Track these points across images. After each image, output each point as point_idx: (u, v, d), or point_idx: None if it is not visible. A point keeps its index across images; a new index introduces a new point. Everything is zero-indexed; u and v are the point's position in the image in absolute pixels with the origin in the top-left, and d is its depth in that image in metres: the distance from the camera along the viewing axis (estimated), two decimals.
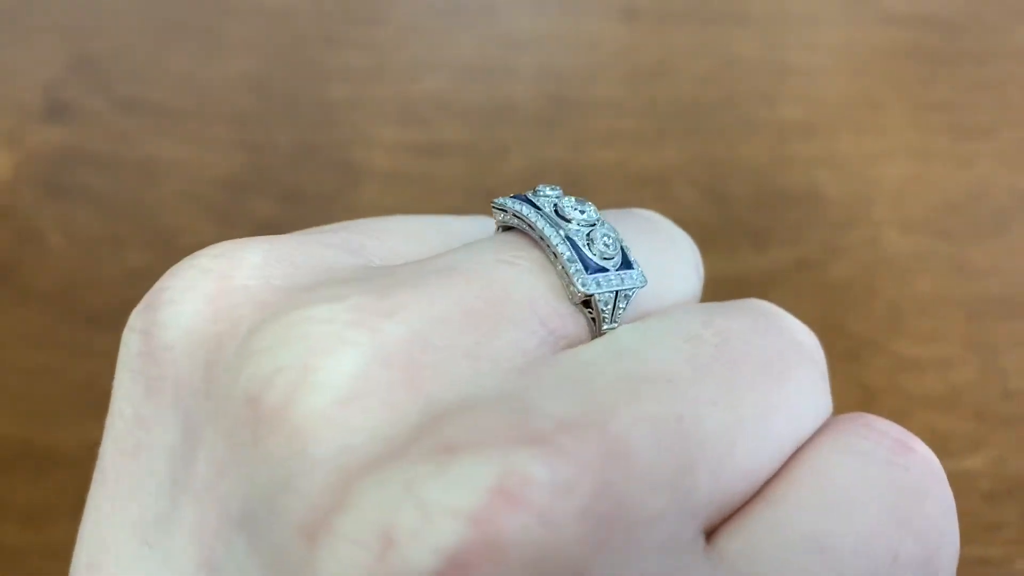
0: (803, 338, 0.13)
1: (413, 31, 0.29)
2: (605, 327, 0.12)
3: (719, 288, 0.25)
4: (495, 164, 0.27)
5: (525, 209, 0.13)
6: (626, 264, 0.12)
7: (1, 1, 0.29)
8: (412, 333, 0.10)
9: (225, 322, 0.11)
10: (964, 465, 0.24)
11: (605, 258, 0.12)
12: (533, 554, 0.09)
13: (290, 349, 0.10)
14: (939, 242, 0.26)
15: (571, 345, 0.12)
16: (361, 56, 0.28)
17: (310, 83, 0.28)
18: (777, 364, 0.12)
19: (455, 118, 0.28)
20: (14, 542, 0.24)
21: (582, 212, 0.13)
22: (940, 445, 0.24)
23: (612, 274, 0.12)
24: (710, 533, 0.11)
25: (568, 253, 0.12)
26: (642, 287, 0.12)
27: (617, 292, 0.12)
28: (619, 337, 0.12)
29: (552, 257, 0.12)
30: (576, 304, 0.12)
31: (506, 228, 0.13)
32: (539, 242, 0.12)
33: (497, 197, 0.13)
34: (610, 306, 0.12)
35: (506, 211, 0.13)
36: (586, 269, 0.12)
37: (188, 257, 0.12)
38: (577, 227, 0.12)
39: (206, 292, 0.11)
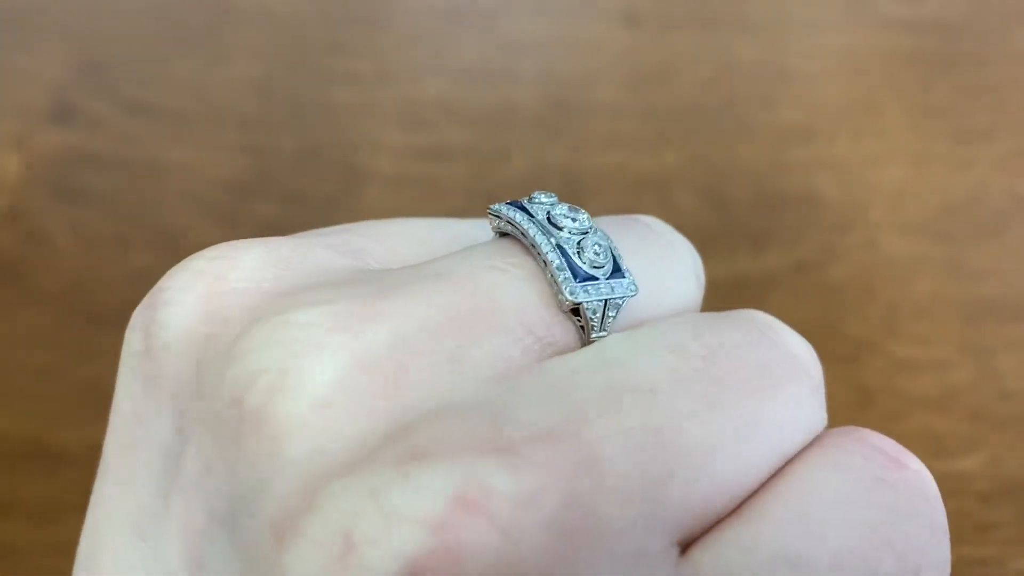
0: (797, 351, 0.13)
1: (416, 36, 0.29)
2: (594, 335, 0.12)
3: (718, 291, 0.26)
4: (497, 167, 0.28)
5: (518, 216, 0.13)
6: (617, 273, 0.12)
7: (10, 6, 0.29)
8: (394, 339, 0.11)
9: (217, 323, 0.11)
10: (960, 466, 0.24)
11: (595, 267, 0.12)
12: (492, 563, 0.09)
13: (271, 352, 0.10)
14: (937, 245, 0.26)
15: (560, 353, 0.12)
16: (364, 61, 0.29)
17: (314, 87, 0.28)
18: (765, 377, 0.12)
19: (457, 122, 0.28)
20: (22, 539, 0.24)
21: (574, 220, 0.13)
22: (936, 446, 0.24)
23: (602, 283, 0.12)
24: (687, 545, 0.11)
25: (557, 261, 0.12)
26: (632, 296, 0.12)
27: (606, 301, 0.12)
28: (605, 347, 0.12)
29: (543, 265, 0.12)
30: (565, 312, 0.12)
31: (503, 234, 0.13)
32: (531, 249, 0.12)
33: (497, 201, 0.13)
34: (599, 315, 0.12)
35: (500, 217, 0.13)
36: (575, 277, 0.12)
37: (187, 258, 0.12)
38: (568, 235, 0.12)
39: (200, 294, 0.12)
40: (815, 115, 0.28)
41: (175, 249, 0.28)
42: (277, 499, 0.10)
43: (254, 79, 0.29)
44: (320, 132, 0.28)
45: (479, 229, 0.14)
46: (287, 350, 0.10)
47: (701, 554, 0.10)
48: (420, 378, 0.10)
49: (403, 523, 0.09)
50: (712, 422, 0.11)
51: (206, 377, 0.11)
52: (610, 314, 0.12)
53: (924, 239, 0.27)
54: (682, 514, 0.10)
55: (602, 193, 0.27)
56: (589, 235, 0.13)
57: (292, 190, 0.27)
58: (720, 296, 0.26)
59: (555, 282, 0.12)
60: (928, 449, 0.24)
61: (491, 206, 0.13)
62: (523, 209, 0.13)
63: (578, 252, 0.12)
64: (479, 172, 0.28)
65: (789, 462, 0.12)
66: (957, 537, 0.25)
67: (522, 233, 0.12)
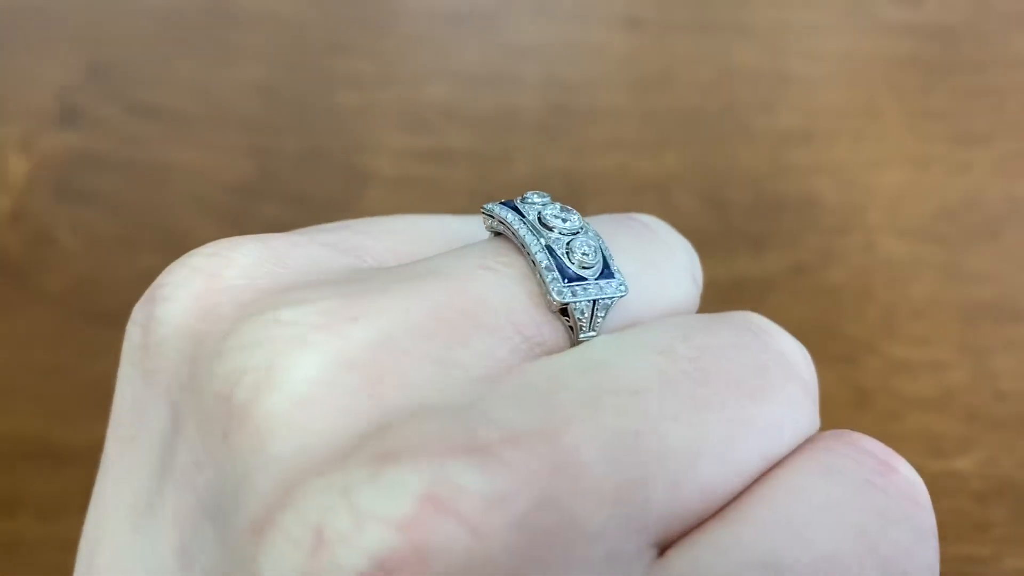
0: (790, 354, 0.13)
1: (419, 39, 0.29)
2: (583, 336, 0.12)
3: (717, 293, 0.26)
4: (499, 170, 0.28)
5: (510, 216, 0.13)
6: (607, 273, 0.12)
7: (17, 9, 0.30)
8: (379, 337, 0.11)
9: (209, 320, 0.11)
10: (956, 465, 0.24)
11: (584, 267, 0.12)
12: (461, 562, 0.09)
13: (258, 350, 0.10)
14: (934, 247, 0.27)
15: (549, 353, 0.12)
16: (368, 64, 0.29)
17: (318, 90, 0.29)
18: (754, 380, 0.12)
19: (460, 125, 0.28)
20: (29, 536, 0.24)
21: (565, 221, 0.13)
22: (933, 446, 0.25)
23: (590, 283, 0.12)
24: (667, 547, 0.11)
25: (546, 261, 0.12)
26: (622, 296, 0.12)
27: (595, 301, 0.12)
28: (591, 348, 0.12)
29: (532, 265, 0.12)
30: (555, 313, 0.12)
31: (498, 233, 0.13)
32: (522, 249, 0.12)
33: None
34: (587, 315, 0.12)
35: (493, 217, 0.13)
36: (563, 278, 0.12)
37: (185, 255, 0.12)
38: (558, 235, 0.13)
39: (196, 290, 0.12)
40: (814, 118, 0.28)
41: (179, 250, 0.28)
42: (258, 494, 0.10)
43: (258, 81, 0.29)
44: (323, 134, 0.28)
45: (478, 226, 0.14)
46: (272, 348, 0.10)
47: (678, 556, 0.10)
48: (403, 377, 0.11)
49: (372, 521, 0.09)
50: (696, 425, 0.11)
51: (198, 372, 0.11)
52: (599, 314, 0.12)
53: (922, 241, 0.27)
54: (660, 516, 0.10)
55: (603, 195, 0.27)
56: (579, 235, 0.13)
57: (295, 191, 0.28)
58: (719, 297, 0.26)
59: (543, 282, 0.12)
60: (925, 449, 0.25)
61: (484, 205, 0.13)
62: (515, 209, 0.13)
63: (567, 253, 0.12)
64: (481, 174, 0.28)
65: (777, 465, 0.12)
66: (954, 536, 0.25)
67: (513, 233, 0.13)
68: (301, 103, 0.29)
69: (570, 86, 0.29)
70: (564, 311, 0.12)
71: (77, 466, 0.24)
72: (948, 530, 0.24)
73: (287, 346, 0.10)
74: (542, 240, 0.12)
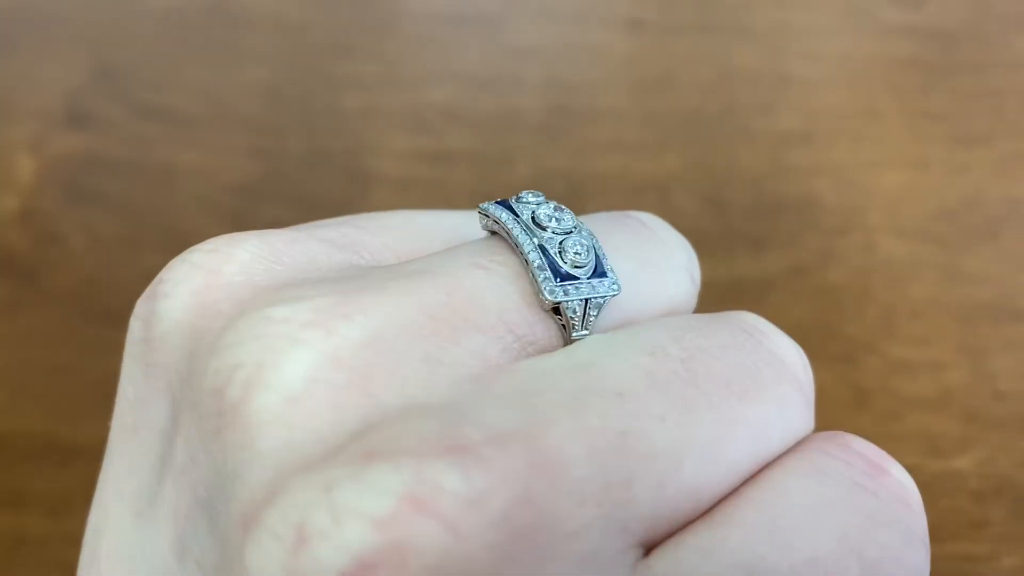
0: (785, 355, 0.13)
1: (422, 42, 0.29)
2: (575, 335, 0.12)
3: (717, 293, 0.26)
4: (501, 171, 0.28)
5: (504, 215, 0.13)
6: (599, 272, 0.12)
7: (26, 13, 0.30)
8: (370, 336, 0.11)
9: (208, 316, 0.12)
10: (954, 465, 0.25)
11: (576, 266, 0.12)
12: (439, 560, 0.09)
13: (249, 347, 0.11)
14: (933, 248, 0.27)
15: (542, 352, 0.12)
16: (372, 66, 0.29)
17: (322, 92, 0.29)
18: (745, 381, 0.12)
19: (463, 126, 0.29)
20: (37, 531, 0.24)
21: (558, 220, 0.13)
22: (931, 445, 0.25)
23: (583, 282, 0.12)
24: (652, 547, 0.11)
25: (538, 261, 0.12)
26: (615, 295, 0.12)
27: (587, 300, 0.12)
28: (580, 348, 0.12)
29: (526, 264, 0.12)
30: (547, 312, 0.12)
31: (494, 232, 0.13)
32: (516, 248, 0.12)
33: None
34: (579, 314, 0.12)
35: (489, 216, 0.13)
36: (555, 277, 0.12)
37: (186, 251, 0.13)
38: (551, 235, 0.13)
39: (195, 287, 0.12)
40: (814, 120, 0.28)
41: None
42: (247, 490, 0.10)
43: (263, 83, 0.29)
44: (327, 135, 0.29)
45: (476, 222, 0.14)
46: (264, 345, 0.11)
47: (661, 557, 0.10)
48: (393, 376, 0.11)
49: (353, 519, 0.09)
50: (684, 425, 0.11)
51: (195, 368, 0.11)
52: (591, 313, 0.12)
53: (921, 242, 0.27)
54: (644, 517, 0.10)
55: (603, 196, 0.28)
56: (572, 235, 0.13)
57: (300, 192, 0.28)
58: (719, 297, 0.26)
59: (535, 281, 0.12)
60: (924, 449, 0.25)
61: (480, 204, 0.13)
62: (510, 208, 0.13)
63: (560, 252, 0.12)
64: (483, 175, 0.28)
65: (768, 466, 0.12)
66: (952, 534, 0.26)
67: (506, 232, 0.13)
68: (305, 105, 0.29)
69: (571, 87, 0.29)
70: (557, 310, 0.12)
71: (83, 463, 0.25)
72: (946, 529, 0.24)
73: (279, 343, 0.11)
74: (535, 239, 0.12)
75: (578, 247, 0.12)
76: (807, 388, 0.13)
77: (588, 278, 0.12)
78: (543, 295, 0.12)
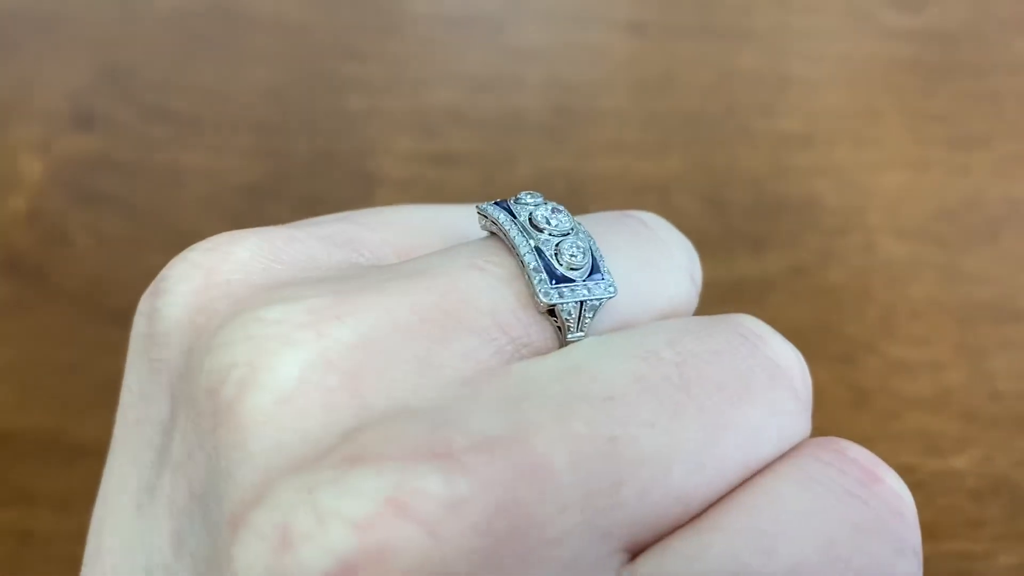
0: (782, 359, 0.12)
1: (426, 44, 0.30)
2: (570, 337, 0.12)
3: (717, 293, 0.26)
4: (503, 172, 0.28)
5: (501, 216, 0.13)
6: (596, 274, 0.12)
7: (34, 15, 0.30)
8: (360, 337, 0.11)
9: (206, 315, 0.12)
10: (952, 464, 0.25)
11: (572, 268, 0.12)
12: (419, 564, 0.09)
13: (242, 347, 0.11)
14: (933, 249, 0.27)
15: (537, 353, 0.12)
16: (376, 68, 0.29)
17: (327, 94, 0.29)
18: (738, 386, 0.12)
19: (466, 128, 0.29)
20: (43, 528, 0.25)
21: (555, 222, 0.13)
22: (930, 444, 0.25)
23: (578, 284, 0.12)
24: (638, 553, 0.11)
25: (534, 263, 0.12)
26: (611, 297, 0.12)
27: (582, 302, 0.12)
28: (573, 352, 0.12)
29: (522, 265, 0.12)
30: (543, 313, 0.12)
31: (493, 232, 0.13)
32: (513, 249, 0.12)
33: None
34: (575, 316, 0.12)
35: (487, 217, 0.13)
36: (551, 279, 0.12)
37: (187, 249, 0.13)
38: (548, 237, 0.13)
39: (194, 285, 0.12)
40: (815, 122, 0.28)
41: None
42: (237, 489, 0.10)
43: (268, 86, 0.29)
44: (333, 137, 0.29)
45: (476, 216, 0.14)
46: (257, 345, 0.11)
47: (645, 563, 0.10)
48: (383, 378, 0.11)
49: (335, 522, 0.09)
50: (673, 431, 0.11)
51: (192, 366, 0.11)
52: (587, 315, 0.12)
53: (921, 242, 0.27)
54: (629, 522, 0.10)
55: (605, 197, 0.28)
56: (569, 236, 0.13)
57: (305, 193, 0.28)
58: (719, 297, 0.26)
59: (531, 283, 0.12)
60: (922, 448, 0.25)
61: (479, 205, 0.13)
62: (507, 209, 0.13)
63: (556, 254, 0.12)
64: (486, 176, 0.28)
65: (759, 472, 0.11)
66: (949, 533, 0.26)
67: (503, 233, 0.13)
68: (309, 106, 0.29)
69: (572, 88, 0.29)
70: (552, 312, 0.12)
71: (89, 460, 0.25)
72: (944, 527, 0.24)
73: (271, 344, 0.11)
74: (531, 241, 0.12)
75: (574, 249, 0.12)
76: (803, 393, 0.12)
77: (584, 280, 0.12)
78: (538, 297, 0.12)
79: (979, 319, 0.26)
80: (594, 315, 0.12)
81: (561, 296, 0.12)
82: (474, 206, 0.14)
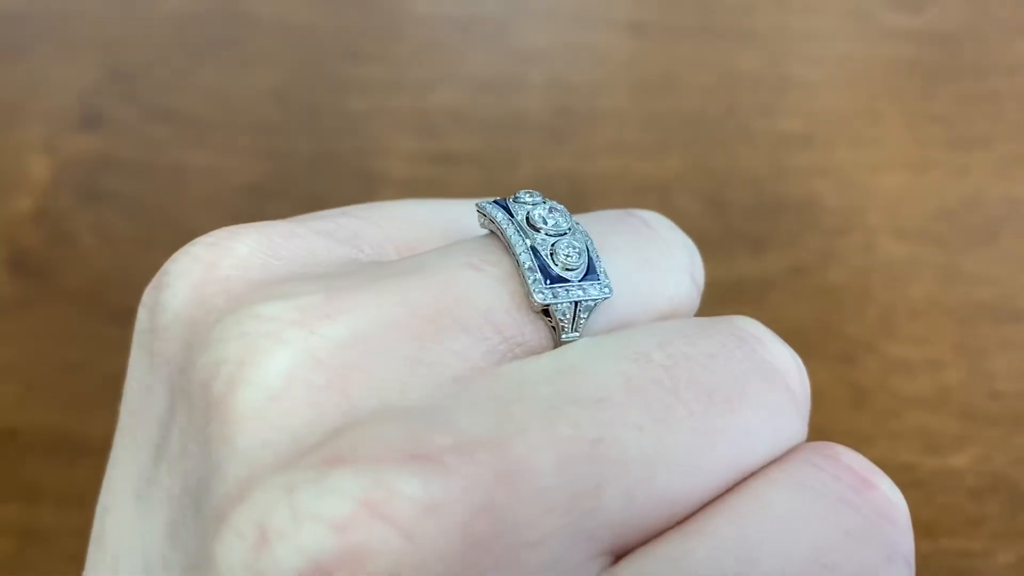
0: (780, 363, 0.12)
1: (429, 46, 0.30)
2: (565, 337, 0.12)
3: (717, 292, 0.26)
4: (505, 173, 0.28)
5: (499, 215, 0.13)
6: (591, 275, 0.12)
7: (41, 17, 0.31)
8: (351, 336, 0.11)
9: (204, 310, 0.12)
10: (951, 462, 0.25)
11: (568, 268, 0.12)
12: (393, 567, 0.09)
13: (235, 343, 0.11)
14: (932, 249, 0.27)
15: (531, 353, 0.12)
16: (379, 70, 0.30)
17: (330, 95, 0.29)
18: (730, 390, 0.11)
19: (468, 129, 0.29)
20: (49, 524, 0.25)
21: (552, 221, 0.13)
22: (929, 443, 0.25)
23: (573, 284, 0.12)
24: (622, 556, 0.10)
25: (529, 262, 0.12)
26: (606, 298, 0.12)
27: (576, 303, 0.12)
28: (565, 353, 0.12)
29: (517, 265, 0.12)
30: (538, 313, 0.12)
31: (492, 230, 0.13)
32: (509, 248, 0.12)
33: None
34: (569, 316, 0.12)
35: (485, 215, 0.13)
36: (546, 279, 0.12)
37: (188, 243, 0.13)
38: (544, 236, 0.12)
39: (194, 280, 0.12)
40: (815, 122, 0.29)
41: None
42: (224, 485, 0.10)
43: (272, 87, 0.30)
44: (335, 138, 0.29)
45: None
46: (249, 342, 0.11)
47: (626, 567, 0.10)
48: (372, 377, 0.11)
49: (311, 522, 0.09)
50: (660, 435, 0.11)
51: (189, 360, 0.11)
52: (582, 316, 0.12)
53: (921, 243, 0.27)
54: (613, 526, 0.10)
55: (606, 197, 0.28)
56: (566, 236, 0.13)
57: (308, 193, 0.28)
58: (719, 297, 0.26)
59: (525, 283, 0.12)
60: (921, 446, 0.25)
61: (478, 202, 0.13)
62: (505, 208, 0.13)
63: (551, 254, 0.12)
64: (488, 176, 0.28)
65: (750, 477, 0.11)
66: (948, 530, 0.26)
67: (500, 232, 0.13)
68: (314, 108, 0.29)
69: (574, 89, 0.29)
70: (547, 312, 0.12)
71: (93, 457, 0.25)
72: (943, 525, 0.24)
73: (262, 342, 0.11)
74: (527, 241, 0.12)
75: (570, 249, 0.12)
76: (800, 397, 0.12)
77: (579, 280, 0.12)
78: (532, 297, 0.12)
79: (978, 319, 0.26)
80: (589, 316, 0.12)
81: (555, 296, 0.12)
82: (471, 203, 0.14)
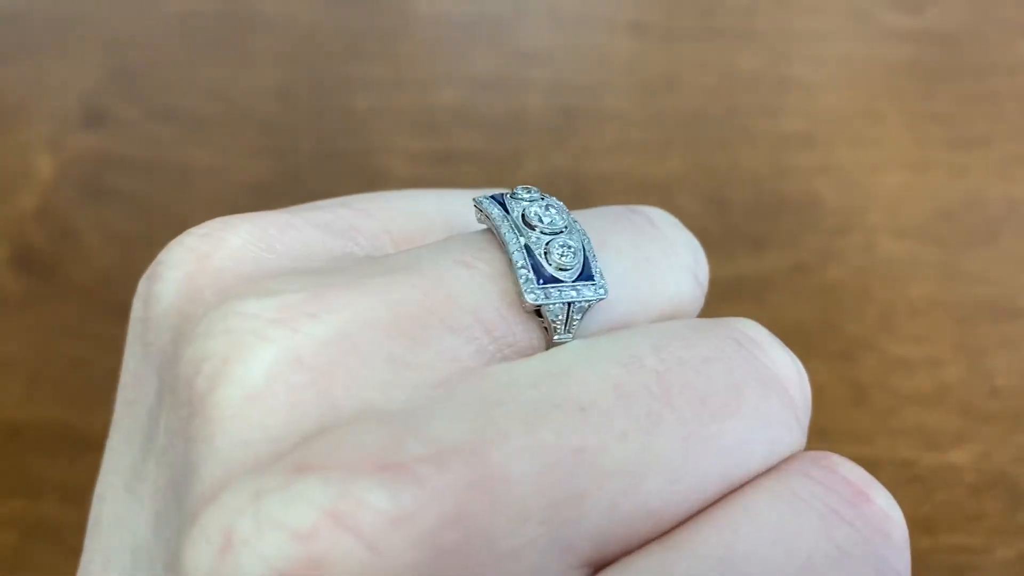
0: (779, 369, 0.12)
1: (432, 45, 0.30)
2: (558, 338, 0.12)
3: (718, 292, 0.26)
4: (508, 172, 0.29)
5: (495, 211, 0.12)
6: (586, 275, 0.12)
7: (45, 16, 0.31)
8: (334, 335, 0.10)
9: (194, 302, 0.12)
10: (950, 459, 0.25)
11: (561, 268, 0.12)
12: None
13: (220, 339, 0.10)
14: (932, 248, 0.27)
15: (522, 354, 0.12)
16: (383, 68, 0.30)
17: (334, 93, 0.30)
18: (725, 396, 0.11)
19: (471, 128, 0.29)
20: (54, 517, 0.25)
21: (547, 220, 0.12)
22: (928, 440, 0.25)
23: (566, 285, 0.12)
24: (602, 567, 0.10)
25: (522, 261, 0.12)
26: (601, 299, 0.12)
27: (569, 304, 0.12)
28: (554, 356, 0.11)
29: (510, 263, 0.12)
30: (530, 313, 0.12)
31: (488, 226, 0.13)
32: (503, 246, 0.12)
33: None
34: (561, 317, 0.12)
35: (481, 211, 0.13)
36: (538, 279, 0.12)
37: (182, 233, 0.13)
38: (539, 235, 0.12)
39: (187, 271, 0.12)
40: (816, 122, 0.29)
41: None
42: (200, 484, 0.10)
43: (276, 85, 0.30)
44: (339, 136, 0.29)
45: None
46: (233, 339, 0.10)
47: None
48: (353, 378, 0.10)
49: (274, 530, 0.09)
50: (646, 443, 0.10)
51: (177, 353, 0.11)
52: (575, 317, 0.12)
53: (921, 242, 0.27)
54: (593, 537, 0.10)
55: (608, 197, 0.28)
56: (562, 235, 0.12)
57: (311, 191, 0.29)
58: (719, 296, 0.27)
59: (517, 283, 0.12)
60: (920, 443, 0.25)
61: (475, 197, 0.13)
62: (502, 204, 0.12)
63: (545, 253, 0.12)
64: (491, 176, 0.28)
65: (742, 487, 0.11)
66: (947, 527, 0.26)
67: (495, 229, 0.12)
68: (317, 106, 0.29)
69: (577, 89, 0.29)
70: (539, 312, 0.12)
71: (96, 453, 0.25)
72: (942, 521, 0.24)
73: (246, 339, 0.10)
74: (521, 239, 0.12)
75: (564, 248, 0.12)
76: (799, 404, 0.12)
77: (573, 281, 0.12)
78: (523, 297, 0.11)
79: (978, 318, 0.26)
80: (582, 317, 0.12)
81: (547, 296, 0.12)
82: (479, 191, 0.14)
